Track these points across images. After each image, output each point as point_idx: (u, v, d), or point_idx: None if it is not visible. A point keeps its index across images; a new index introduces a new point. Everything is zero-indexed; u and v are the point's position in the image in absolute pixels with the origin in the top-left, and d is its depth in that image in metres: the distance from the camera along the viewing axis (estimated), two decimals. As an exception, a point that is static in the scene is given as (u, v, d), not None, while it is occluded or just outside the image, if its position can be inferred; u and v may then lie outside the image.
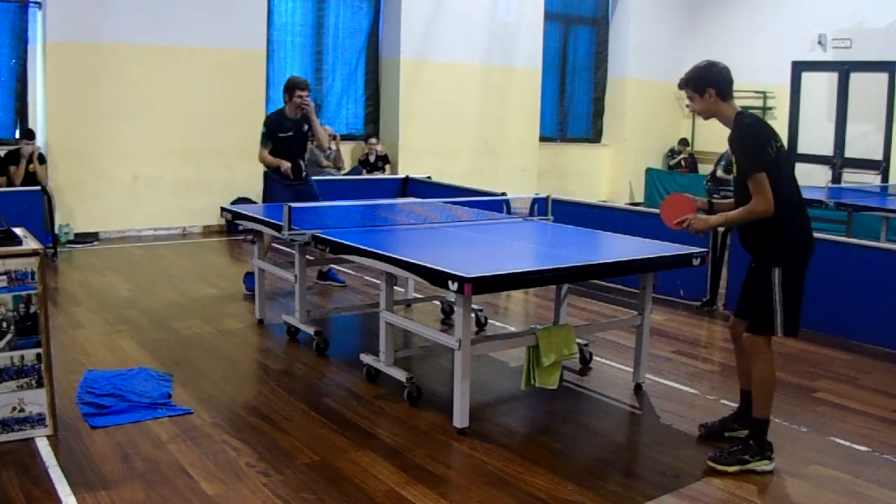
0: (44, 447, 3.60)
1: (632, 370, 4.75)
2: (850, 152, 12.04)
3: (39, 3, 8.77)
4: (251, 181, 9.92)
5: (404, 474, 3.47)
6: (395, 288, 5.36)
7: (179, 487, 3.29)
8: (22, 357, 3.61)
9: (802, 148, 12.28)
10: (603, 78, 13.96)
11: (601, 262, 4.26)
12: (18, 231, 3.86)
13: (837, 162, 12.12)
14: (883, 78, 11.56)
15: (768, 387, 3.56)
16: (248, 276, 6.57)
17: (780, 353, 4.91)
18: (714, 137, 11.73)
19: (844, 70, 11.95)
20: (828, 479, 3.50)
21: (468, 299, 3.72)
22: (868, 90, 11.80)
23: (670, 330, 6.00)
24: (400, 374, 4.35)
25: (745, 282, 3.80)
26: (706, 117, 3.72)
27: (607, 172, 14.10)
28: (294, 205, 4.95)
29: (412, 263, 3.95)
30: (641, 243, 4.89)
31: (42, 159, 8.45)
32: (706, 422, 4.01)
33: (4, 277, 3.54)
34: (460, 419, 3.91)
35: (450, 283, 3.62)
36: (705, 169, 12.04)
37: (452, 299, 5.31)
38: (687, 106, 3.83)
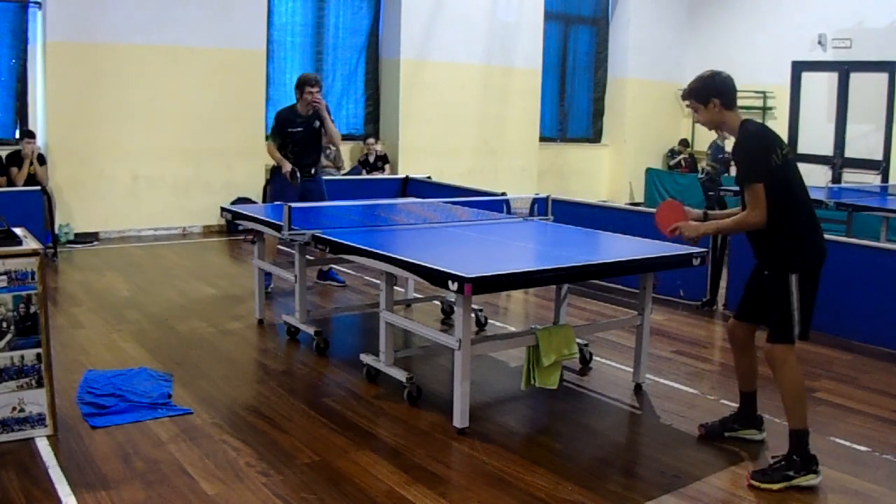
0: (44, 447, 3.60)
1: (632, 370, 4.75)
2: (850, 152, 12.05)
3: (39, 3, 8.77)
4: (251, 181, 9.94)
5: (404, 474, 3.47)
6: (395, 288, 5.36)
7: (179, 487, 3.29)
8: (22, 357, 3.61)
9: (802, 148, 12.28)
10: (603, 78, 13.97)
11: (601, 262, 4.26)
12: (18, 231, 3.86)
13: (837, 162, 12.12)
14: (883, 78, 11.57)
15: (798, 395, 3.47)
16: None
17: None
18: (714, 138, 11.74)
19: (844, 70, 11.96)
20: (828, 479, 3.50)
21: (468, 299, 3.72)
22: (868, 90, 11.80)
23: (670, 330, 6.00)
24: (400, 374, 4.35)
25: (749, 286, 3.76)
26: (711, 127, 3.69)
27: (607, 172, 14.11)
28: (294, 205, 4.95)
29: (412, 263, 3.95)
30: (641, 243, 4.88)
31: (42, 160, 8.45)
32: (706, 422, 4.01)
33: (4, 277, 3.54)
34: (460, 419, 3.91)
35: (450, 283, 3.62)
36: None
37: (452, 299, 5.31)
38: (693, 117, 3.82)
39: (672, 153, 13.96)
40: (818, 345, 5.53)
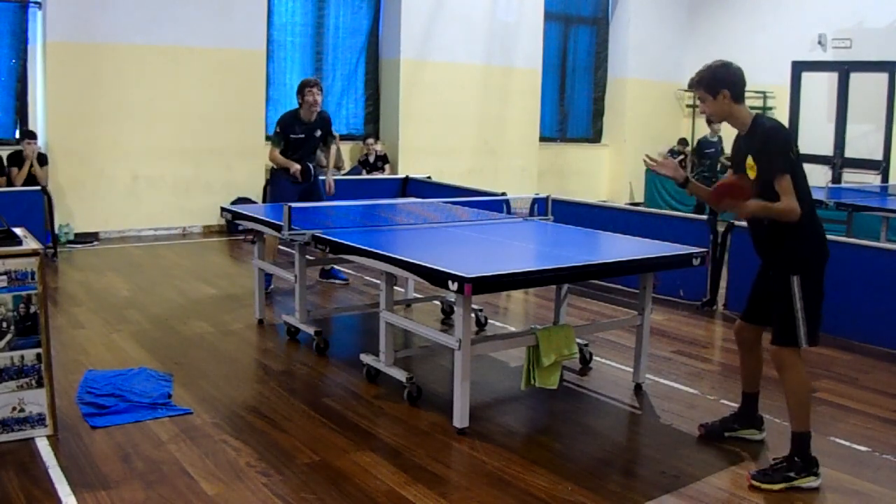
0: (44, 447, 3.60)
1: (632, 370, 4.75)
2: (850, 152, 12.05)
3: (39, 3, 8.77)
4: (251, 181, 9.94)
5: (404, 474, 3.47)
6: (395, 288, 5.36)
7: (179, 487, 3.29)
8: (22, 357, 3.61)
9: (802, 148, 12.00)
10: (603, 78, 13.96)
11: (601, 262, 4.26)
12: (18, 231, 3.86)
13: (837, 162, 12.12)
14: (883, 78, 11.57)
15: (803, 398, 3.46)
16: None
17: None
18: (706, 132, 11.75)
19: (844, 70, 11.95)
20: (828, 479, 3.49)
21: (468, 299, 3.72)
22: (868, 90, 11.80)
23: (670, 330, 6.00)
24: (400, 374, 4.35)
25: (756, 287, 3.73)
26: (717, 120, 3.62)
27: (607, 172, 14.10)
28: (295, 205, 4.95)
29: (412, 263, 3.95)
30: (641, 243, 4.89)
31: (42, 160, 8.44)
32: (706, 422, 4.01)
33: (4, 277, 3.54)
34: (460, 419, 3.91)
35: (450, 283, 3.62)
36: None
37: (452, 299, 5.31)
38: (697, 107, 3.76)
39: (672, 153, 13.94)
40: (818, 345, 5.51)
